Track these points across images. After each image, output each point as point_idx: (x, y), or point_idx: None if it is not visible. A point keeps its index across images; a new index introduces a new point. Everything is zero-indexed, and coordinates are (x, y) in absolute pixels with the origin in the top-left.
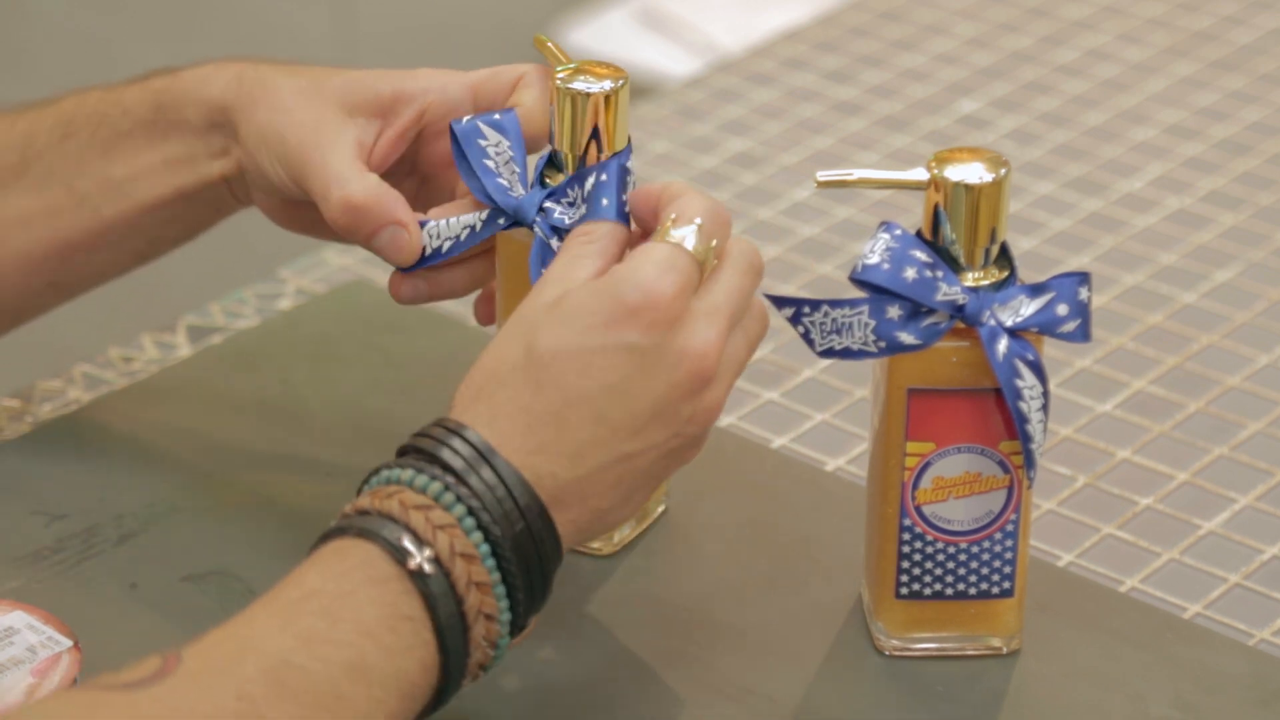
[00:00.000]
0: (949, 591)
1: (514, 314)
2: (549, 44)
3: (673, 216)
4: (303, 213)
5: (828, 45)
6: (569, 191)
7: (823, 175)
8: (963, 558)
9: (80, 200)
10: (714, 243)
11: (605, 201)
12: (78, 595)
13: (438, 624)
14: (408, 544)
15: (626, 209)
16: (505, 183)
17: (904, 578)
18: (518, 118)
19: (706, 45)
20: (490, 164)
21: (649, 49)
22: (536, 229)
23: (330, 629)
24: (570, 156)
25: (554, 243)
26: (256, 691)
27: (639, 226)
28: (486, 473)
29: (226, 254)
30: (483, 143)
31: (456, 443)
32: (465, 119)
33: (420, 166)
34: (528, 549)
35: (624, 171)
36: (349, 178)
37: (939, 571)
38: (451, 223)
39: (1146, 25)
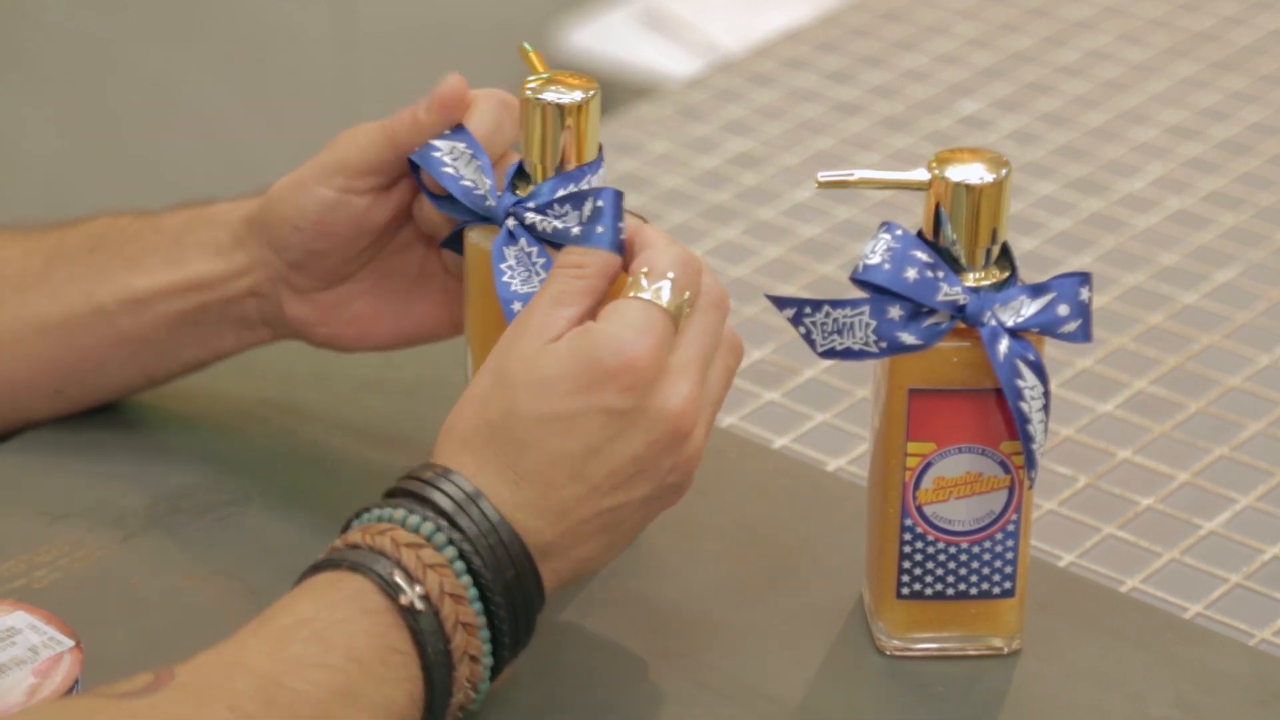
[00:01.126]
0: (950, 592)
1: (496, 359)
2: (531, 53)
3: (644, 270)
4: (340, 305)
5: (829, 46)
6: (556, 207)
7: (824, 176)
8: (964, 558)
9: (96, 309)
10: (687, 295)
11: (600, 230)
12: (79, 595)
13: (425, 660)
14: (399, 580)
15: (622, 236)
16: (470, 182)
17: (905, 578)
18: (469, 132)
19: (707, 46)
20: (450, 170)
21: (650, 49)
22: (506, 225)
23: (321, 654)
24: (539, 167)
25: (523, 241)
26: (248, 707)
27: None
28: (476, 515)
29: None
30: (436, 154)
31: (447, 485)
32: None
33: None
34: (515, 595)
35: (619, 198)
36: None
37: (940, 571)
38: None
39: (1147, 26)
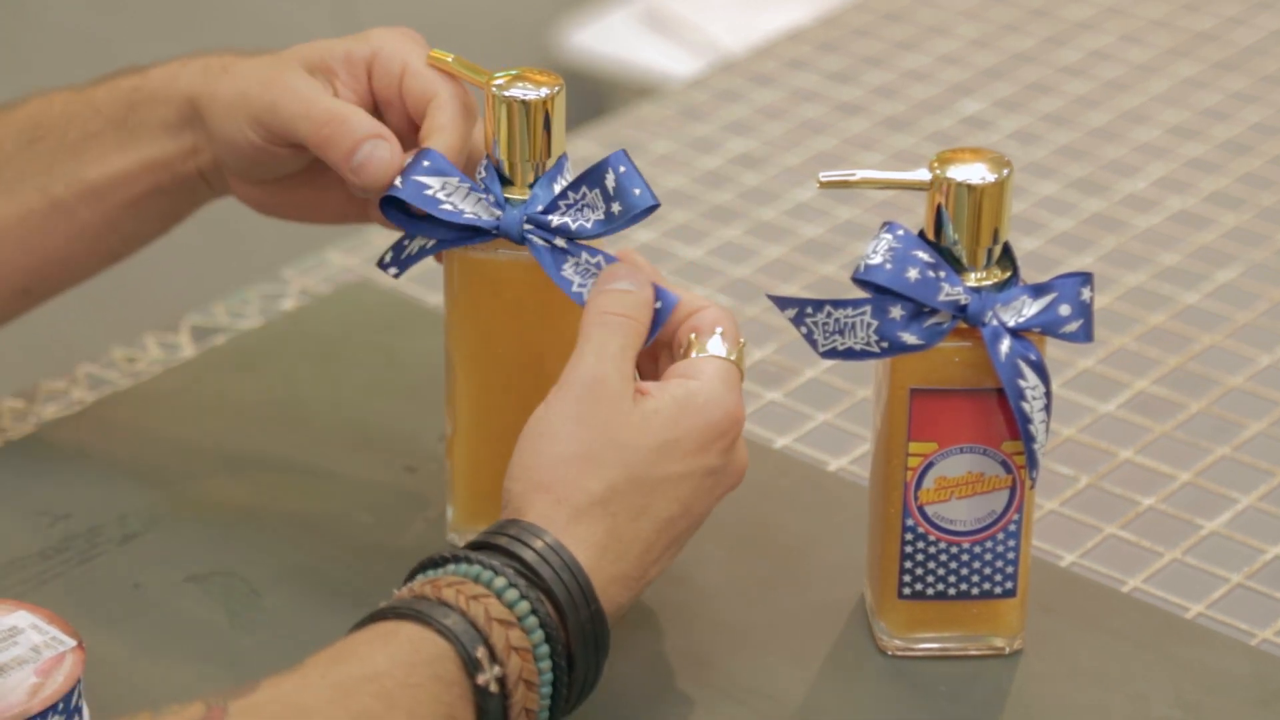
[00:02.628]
0: (951, 591)
1: (598, 420)
2: (449, 59)
3: (692, 336)
4: (284, 193)
5: (830, 46)
6: (571, 195)
7: (825, 176)
8: (965, 558)
9: (54, 204)
10: (743, 342)
11: (638, 191)
12: (81, 595)
13: None
14: (482, 657)
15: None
16: (472, 214)
17: (906, 578)
18: (439, 151)
19: (709, 46)
20: (449, 206)
21: (651, 50)
22: (533, 239)
23: (385, 712)
24: (509, 164)
25: (584, 255)
26: None
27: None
28: (580, 602)
29: (230, 254)
30: (429, 192)
31: (556, 563)
32: (396, 183)
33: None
34: (585, 685)
35: (628, 156)
36: (323, 97)
37: (941, 571)
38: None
39: (1148, 26)
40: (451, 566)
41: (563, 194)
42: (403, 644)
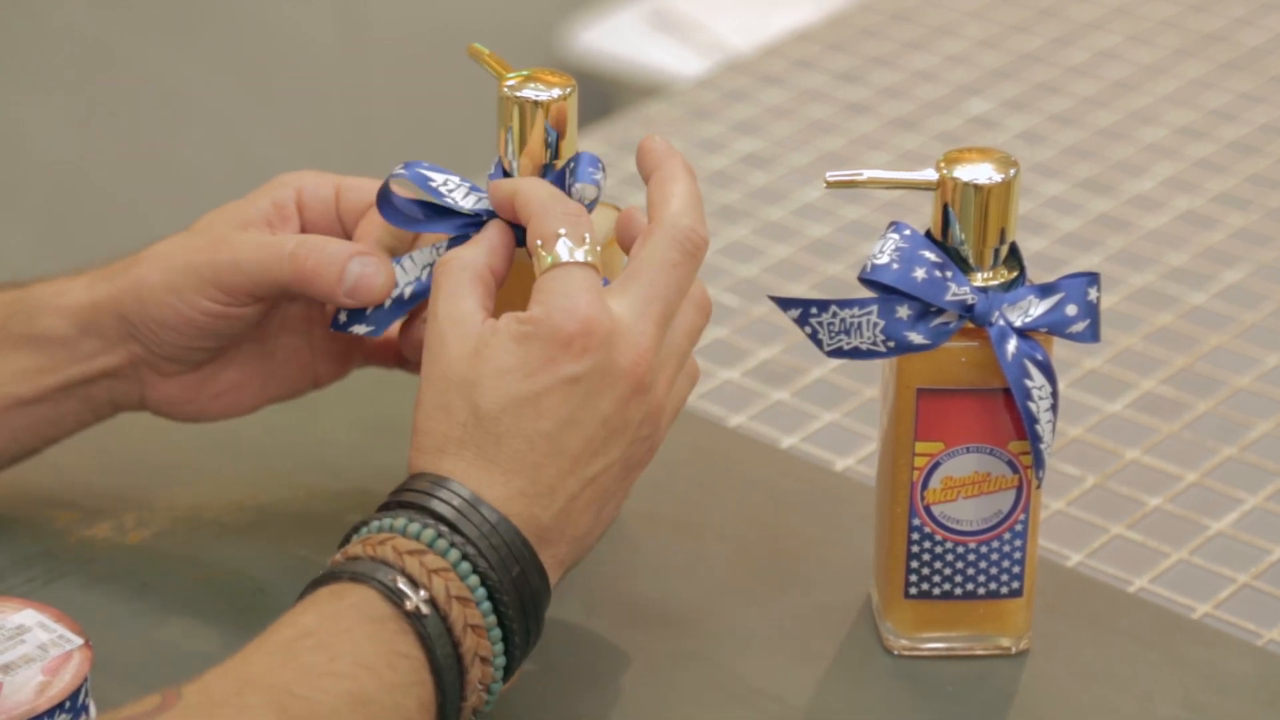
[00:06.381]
0: (958, 591)
1: (436, 366)
2: (486, 53)
3: (539, 242)
4: (203, 386)
5: (838, 46)
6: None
7: (832, 176)
8: (972, 558)
9: None
10: (587, 238)
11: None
12: (89, 594)
13: (435, 664)
14: (403, 586)
15: (597, 177)
16: (474, 210)
17: (913, 577)
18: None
19: (716, 46)
20: (451, 200)
21: (658, 50)
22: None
23: (329, 662)
24: (519, 165)
25: None
26: None
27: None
28: (476, 518)
29: None
30: (433, 184)
31: (444, 493)
32: (400, 171)
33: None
34: (523, 592)
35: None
36: (285, 239)
37: (948, 571)
38: (415, 257)
39: (1156, 26)
40: (354, 535)
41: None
42: (326, 599)
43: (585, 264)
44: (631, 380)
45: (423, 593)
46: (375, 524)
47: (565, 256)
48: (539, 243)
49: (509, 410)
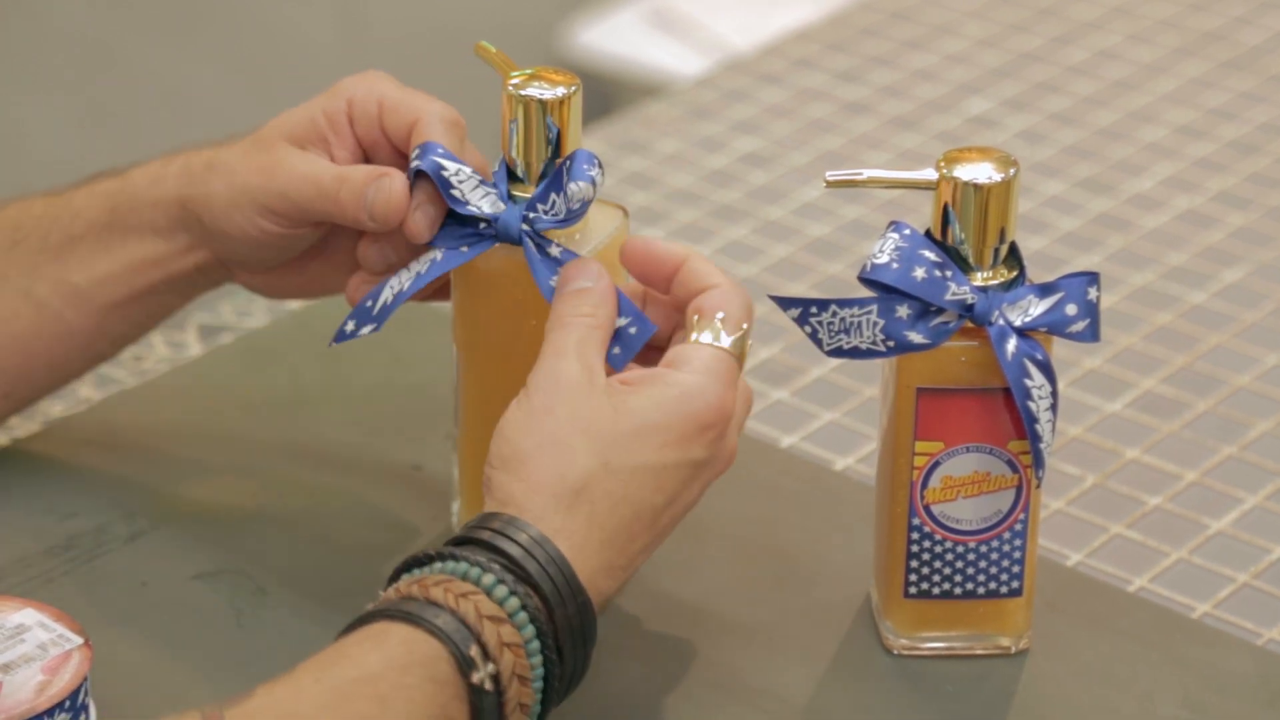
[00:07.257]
0: (958, 591)
1: (565, 411)
2: (493, 51)
3: (695, 315)
4: (292, 274)
5: (838, 45)
6: (540, 206)
7: (832, 175)
8: (971, 557)
9: (39, 306)
10: (745, 326)
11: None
12: (88, 593)
13: None
14: (475, 655)
15: (593, 174)
16: (475, 208)
17: (913, 577)
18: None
19: (716, 45)
20: (457, 194)
21: (658, 49)
22: (527, 242)
23: (380, 716)
24: (523, 164)
25: (553, 250)
26: None
27: (640, 280)
28: (571, 604)
29: None
30: (444, 174)
31: (543, 557)
32: (416, 160)
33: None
34: (576, 671)
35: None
36: (325, 169)
37: (947, 571)
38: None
39: (1156, 26)
40: (438, 565)
41: (544, 195)
42: (395, 646)
43: (731, 354)
44: (722, 471)
45: (491, 666)
46: (464, 567)
47: (718, 339)
48: (698, 315)
49: (636, 474)
